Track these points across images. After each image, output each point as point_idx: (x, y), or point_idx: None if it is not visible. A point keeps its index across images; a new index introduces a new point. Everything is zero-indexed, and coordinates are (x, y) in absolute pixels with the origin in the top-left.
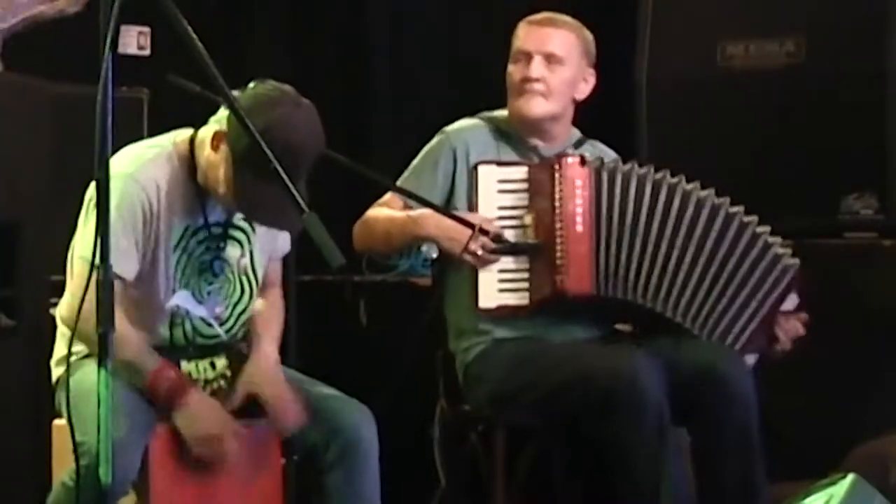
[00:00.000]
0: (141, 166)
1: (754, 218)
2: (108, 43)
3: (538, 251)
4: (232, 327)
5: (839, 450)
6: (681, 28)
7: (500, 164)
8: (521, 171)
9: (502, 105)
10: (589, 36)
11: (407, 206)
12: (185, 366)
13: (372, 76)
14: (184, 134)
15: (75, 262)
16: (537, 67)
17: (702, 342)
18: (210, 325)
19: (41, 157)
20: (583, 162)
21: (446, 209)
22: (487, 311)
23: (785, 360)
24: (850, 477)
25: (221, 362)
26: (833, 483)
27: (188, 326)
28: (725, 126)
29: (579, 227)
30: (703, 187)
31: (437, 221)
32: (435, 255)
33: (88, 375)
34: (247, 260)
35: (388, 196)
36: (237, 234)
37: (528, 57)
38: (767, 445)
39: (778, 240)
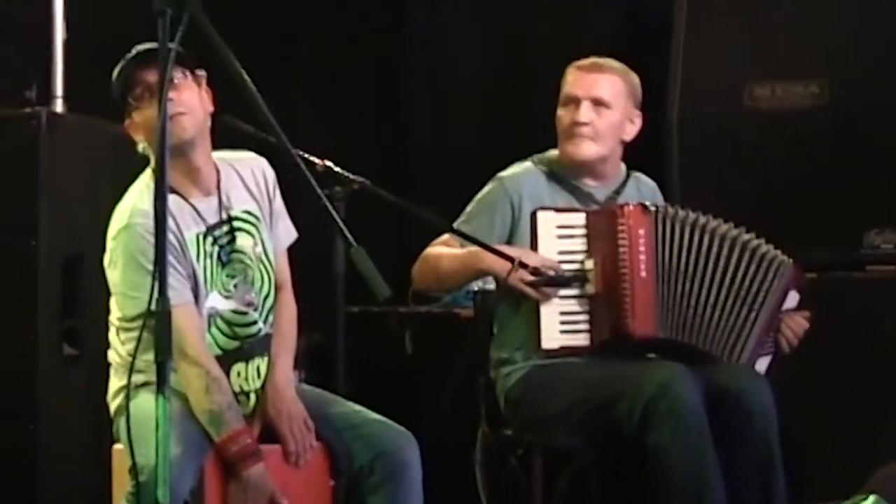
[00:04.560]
0: (136, 207)
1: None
2: (166, 86)
3: (578, 281)
4: (263, 312)
5: (862, 471)
6: (710, 70)
7: (558, 210)
8: (579, 218)
9: (536, 143)
10: (635, 79)
11: (464, 246)
12: (236, 375)
13: (412, 113)
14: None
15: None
16: (585, 112)
17: (721, 362)
18: (244, 313)
19: (102, 195)
20: (643, 209)
21: (491, 246)
22: (549, 351)
23: (810, 385)
24: (872, 498)
25: (263, 366)
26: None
27: (221, 323)
28: (753, 164)
29: (643, 273)
30: (731, 221)
31: (495, 255)
32: (476, 288)
33: (146, 402)
34: (260, 248)
35: (445, 236)
36: (243, 225)
37: (576, 102)
38: (791, 467)
39: (768, 245)
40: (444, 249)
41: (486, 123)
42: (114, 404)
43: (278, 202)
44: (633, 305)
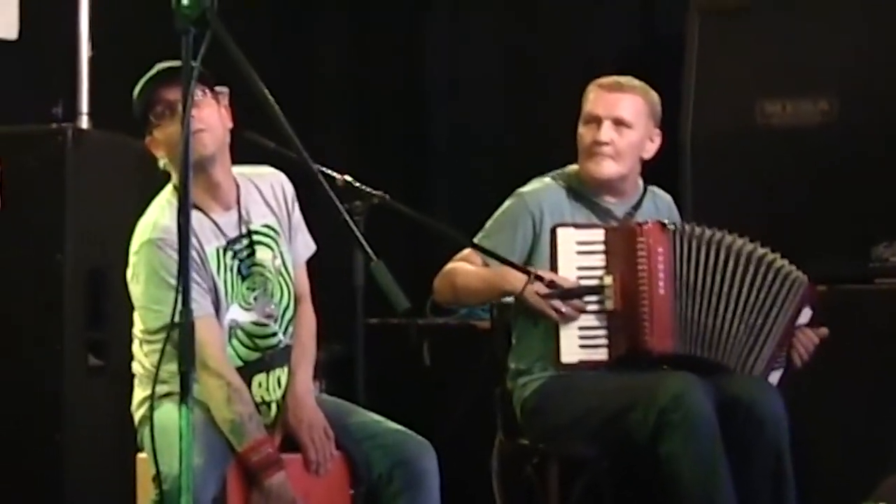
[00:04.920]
0: (157, 223)
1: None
2: (189, 103)
3: (592, 292)
4: (282, 324)
5: (870, 481)
6: (722, 89)
7: (577, 226)
8: (598, 234)
9: (550, 157)
10: (655, 98)
11: (486, 262)
12: (257, 385)
13: (430, 128)
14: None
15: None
16: (607, 131)
17: (734, 373)
18: (264, 324)
19: (127, 209)
20: (662, 227)
21: (512, 262)
22: (569, 365)
23: (819, 396)
24: None
25: (283, 377)
26: None
27: (242, 335)
28: (764, 179)
29: (661, 291)
30: (744, 236)
31: (517, 274)
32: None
33: (169, 412)
34: (279, 261)
35: (466, 251)
36: (262, 239)
37: (597, 121)
38: (801, 476)
39: (783, 260)
40: (467, 266)
41: (501, 138)
42: (138, 414)
43: (297, 216)
44: (652, 322)
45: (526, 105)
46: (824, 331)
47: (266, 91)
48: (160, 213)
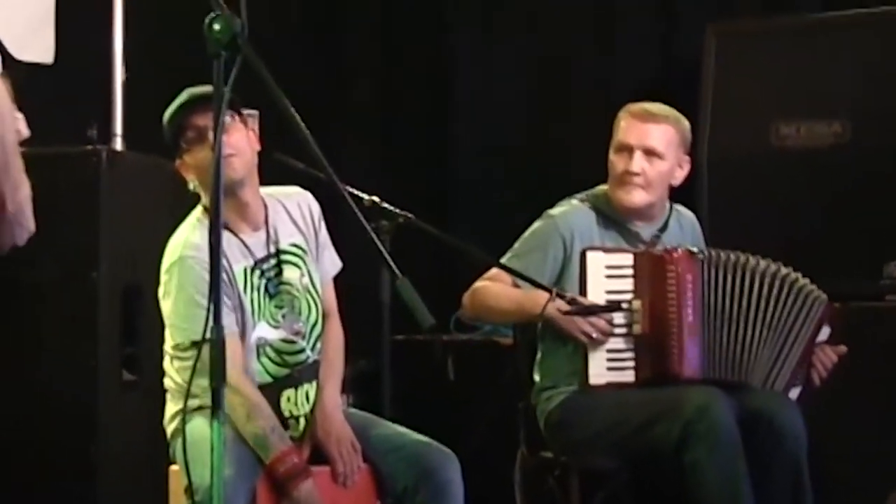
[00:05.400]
0: (188, 241)
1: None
2: (220, 126)
3: (611, 310)
4: (310, 340)
5: (882, 493)
6: (738, 111)
7: (606, 250)
8: (627, 258)
9: (575, 177)
10: (686, 125)
11: (516, 282)
12: (286, 400)
13: (456, 151)
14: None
15: (187, 354)
16: (638, 162)
17: (756, 388)
18: (292, 341)
19: (159, 229)
20: (691, 255)
21: (534, 280)
22: (597, 387)
23: (834, 411)
24: None
25: (311, 392)
26: None
27: (271, 351)
28: (778, 199)
29: (690, 318)
30: (759, 254)
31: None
32: None
33: (201, 426)
34: (307, 279)
35: (495, 270)
36: (290, 258)
37: (629, 150)
38: (818, 490)
39: (805, 280)
40: (497, 285)
41: (525, 161)
42: (170, 428)
43: (323, 234)
44: (681, 349)
45: (548, 126)
46: (842, 349)
47: (295, 113)
48: (191, 231)
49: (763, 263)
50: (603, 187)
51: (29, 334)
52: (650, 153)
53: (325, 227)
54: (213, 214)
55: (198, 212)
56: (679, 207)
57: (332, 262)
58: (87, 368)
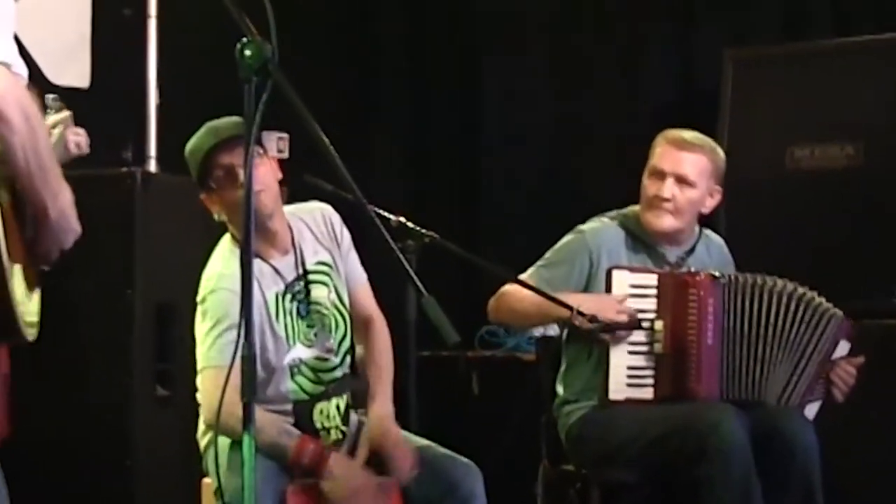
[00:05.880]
0: (222, 273)
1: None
2: (251, 147)
3: (632, 329)
4: (340, 354)
5: None
6: (754, 134)
7: (632, 269)
8: (652, 279)
9: (595, 198)
10: (721, 156)
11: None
12: (319, 412)
13: (483, 175)
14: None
15: (202, 376)
16: (669, 188)
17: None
18: (325, 359)
19: (193, 248)
20: (713, 279)
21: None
22: (615, 402)
23: (848, 427)
24: None
25: (343, 402)
26: None
27: (306, 370)
28: (793, 219)
29: (710, 341)
30: (775, 273)
31: (578, 303)
32: (538, 334)
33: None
34: (334, 294)
35: (523, 277)
36: (317, 277)
37: (662, 175)
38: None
39: (821, 298)
40: (523, 290)
41: (548, 182)
42: (203, 441)
43: (347, 241)
44: (699, 370)
45: (571, 151)
46: (860, 360)
47: (324, 136)
48: (224, 264)
49: (780, 284)
50: (634, 208)
51: (66, 351)
52: (682, 180)
53: (347, 234)
54: (244, 247)
55: (227, 242)
56: (708, 232)
57: (354, 268)
58: (123, 384)
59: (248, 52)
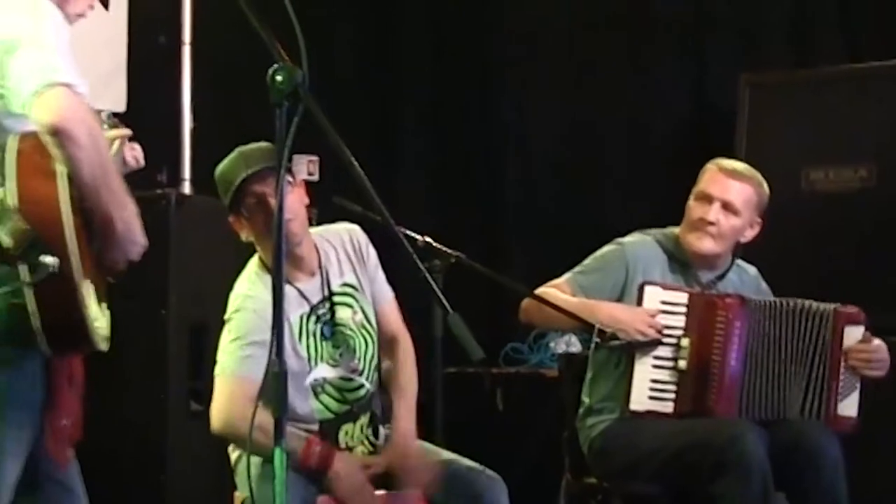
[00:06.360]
0: (247, 294)
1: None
2: (282, 169)
3: (655, 345)
4: (368, 374)
5: None
6: (770, 157)
7: (664, 286)
8: (682, 297)
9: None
10: (765, 190)
11: (574, 292)
12: (343, 433)
13: (502, 193)
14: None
15: (216, 383)
16: (714, 212)
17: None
18: (350, 379)
19: (225, 268)
20: (742, 302)
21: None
22: (636, 413)
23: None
24: None
25: (365, 420)
26: None
27: (331, 389)
28: (808, 240)
29: (733, 362)
30: (790, 292)
31: (609, 311)
32: (560, 351)
33: None
34: (360, 315)
35: (559, 281)
36: (342, 299)
37: (708, 199)
38: None
39: (809, 301)
40: (557, 293)
41: (566, 201)
42: (234, 455)
43: (373, 260)
44: (720, 390)
45: (587, 169)
46: (872, 340)
47: (353, 159)
48: (249, 285)
49: (794, 304)
50: (674, 229)
51: (102, 369)
52: (727, 207)
53: (374, 253)
54: (275, 272)
55: (255, 264)
56: (741, 262)
57: (382, 287)
58: (157, 400)
59: (279, 78)
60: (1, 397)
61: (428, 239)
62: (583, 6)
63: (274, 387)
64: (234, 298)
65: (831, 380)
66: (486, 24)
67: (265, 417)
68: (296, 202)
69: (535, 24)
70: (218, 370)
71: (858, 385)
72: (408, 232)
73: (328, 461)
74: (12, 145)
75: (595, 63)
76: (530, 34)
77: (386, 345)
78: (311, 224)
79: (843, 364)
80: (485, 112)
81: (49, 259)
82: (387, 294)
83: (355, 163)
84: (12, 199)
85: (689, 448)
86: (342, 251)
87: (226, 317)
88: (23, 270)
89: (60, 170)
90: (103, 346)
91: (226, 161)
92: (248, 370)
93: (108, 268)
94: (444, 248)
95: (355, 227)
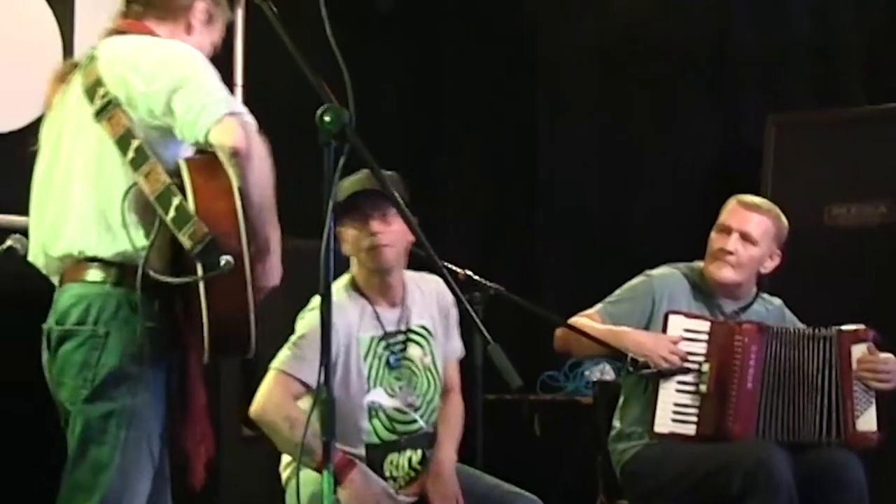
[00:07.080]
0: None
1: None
2: (331, 204)
3: (681, 373)
4: (425, 413)
5: None
6: (794, 193)
7: (688, 315)
8: (704, 325)
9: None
10: (784, 223)
11: (605, 321)
12: (389, 462)
13: (536, 230)
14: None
15: (268, 374)
16: (733, 242)
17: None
18: (405, 412)
19: (277, 302)
20: (759, 329)
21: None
22: (660, 435)
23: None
24: None
25: (417, 457)
26: None
27: (383, 416)
28: (831, 273)
29: (750, 385)
30: (811, 322)
31: (635, 338)
32: (595, 379)
33: (311, 475)
34: (429, 359)
35: (590, 311)
36: (416, 338)
37: (728, 231)
38: None
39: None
40: (587, 321)
41: (601, 229)
42: (285, 474)
43: (454, 319)
44: (737, 411)
45: (622, 201)
46: (882, 354)
47: (399, 199)
48: (335, 294)
49: (808, 329)
50: (699, 263)
51: None
52: (746, 238)
53: (455, 313)
54: (324, 299)
55: (346, 278)
56: (765, 295)
57: (456, 345)
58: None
59: (327, 118)
60: (136, 416)
61: (469, 272)
62: (618, 53)
63: (322, 412)
64: (315, 299)
65: (845, 399)
66: (523, 63)
67: (298, 413)
68: (397, 233)
69: (572, 65)
70: (274, 361)
71: (874, 400)
72: (450, 266)
73: (345, 470)
74: (184, 166)
75: (630, 105)
76: (567, 75)
77: (440, 395)
78: (409, 260)
79: (854, 382)
80: (522, 151)
81: (226, 256)
82: (455, 351)
83: (399, 199)
84: (193, 209)
85: (718, 470)
86: (430, 298)
87: (301, 313)
88: (199, 269)
89: (236, 185)
90: (252, 353)
91: (354, 174)
92: (296, 369)
93: (259, 289)
94: (484, 281)
95: (444, 284)
